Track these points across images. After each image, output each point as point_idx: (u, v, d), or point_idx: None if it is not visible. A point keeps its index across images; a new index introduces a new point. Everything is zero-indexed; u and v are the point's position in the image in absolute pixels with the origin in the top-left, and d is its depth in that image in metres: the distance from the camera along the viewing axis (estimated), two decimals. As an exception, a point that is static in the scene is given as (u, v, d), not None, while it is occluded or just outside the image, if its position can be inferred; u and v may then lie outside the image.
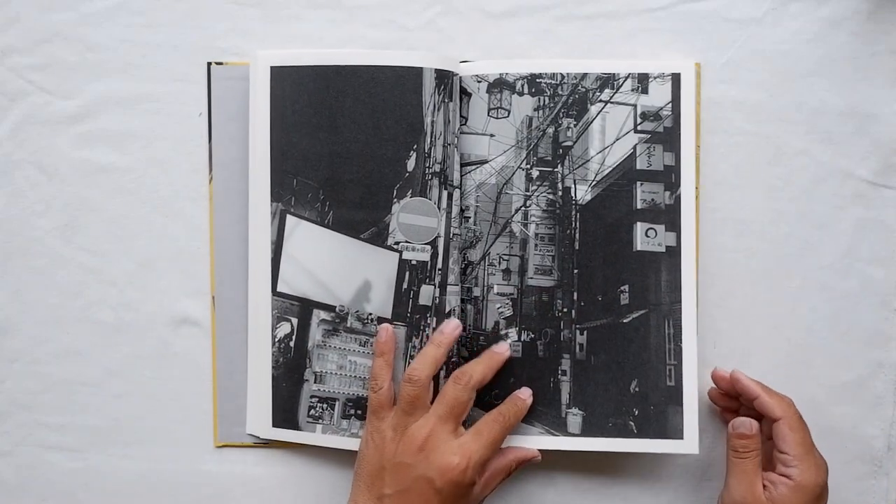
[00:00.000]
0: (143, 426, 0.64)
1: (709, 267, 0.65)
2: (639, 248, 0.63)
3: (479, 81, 0.62)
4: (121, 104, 0.63)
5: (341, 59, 0.61)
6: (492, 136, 0.63)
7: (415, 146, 0.60)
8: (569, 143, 0.63)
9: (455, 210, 0.61)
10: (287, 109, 0.61)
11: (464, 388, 0.57)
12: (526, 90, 0.63)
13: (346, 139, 0.61)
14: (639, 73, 0.62)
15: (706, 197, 0.65)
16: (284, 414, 0.62)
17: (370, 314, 0.61)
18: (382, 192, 0.61)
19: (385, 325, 0.61)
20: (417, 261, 0.61)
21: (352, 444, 0.61)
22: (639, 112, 0.63)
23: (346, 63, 0.60)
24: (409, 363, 0.58)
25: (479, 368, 0.58)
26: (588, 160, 0.63)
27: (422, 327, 0.61)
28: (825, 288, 0.65)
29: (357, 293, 0.62)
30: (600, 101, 0.62)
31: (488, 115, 0.62)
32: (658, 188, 0.62)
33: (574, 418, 0.62)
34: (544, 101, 0.63)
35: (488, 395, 0.61)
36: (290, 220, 0.61)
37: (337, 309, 0.62)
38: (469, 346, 0.63)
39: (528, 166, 0.63)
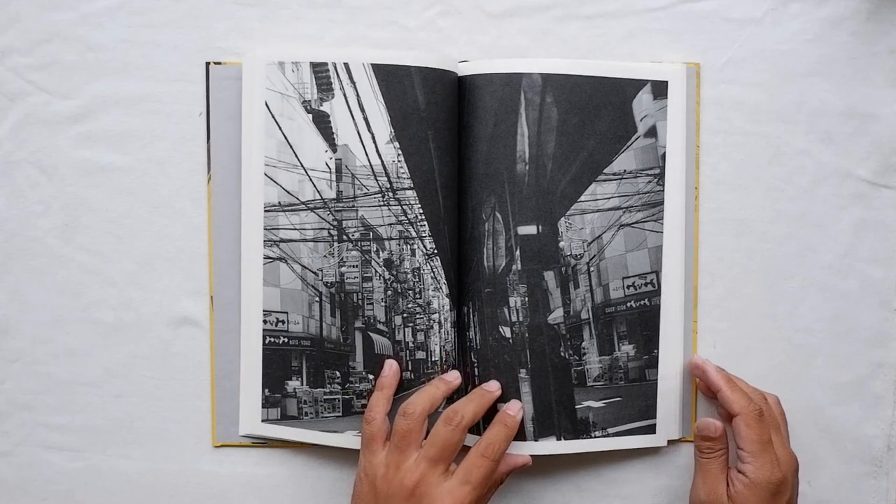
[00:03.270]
0: (142, 426, 0.64)
1: (709, 267, 0.65)
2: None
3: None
4: (121, 104, 0.63)
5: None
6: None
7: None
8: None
9: None
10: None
11: (455, 429, 0.56)
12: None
13: None
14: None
15: (706, 197, 0.65)
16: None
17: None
18: None
19: (391, 360, 0.61)
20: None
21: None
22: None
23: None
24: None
25: (471, 408, 0.58)
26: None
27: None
28: (825, 288, 0.65)
29: None
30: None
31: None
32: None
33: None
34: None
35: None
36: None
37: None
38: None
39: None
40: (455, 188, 0.62)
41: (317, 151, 0.62)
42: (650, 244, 0.63)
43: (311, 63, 0.61)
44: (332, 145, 0.62)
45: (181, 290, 0.64)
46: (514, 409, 0.59)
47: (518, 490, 0.65)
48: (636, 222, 0.63)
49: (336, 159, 0.62)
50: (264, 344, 0.62)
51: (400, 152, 0.61)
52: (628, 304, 0.63)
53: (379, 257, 0.62)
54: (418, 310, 0.62)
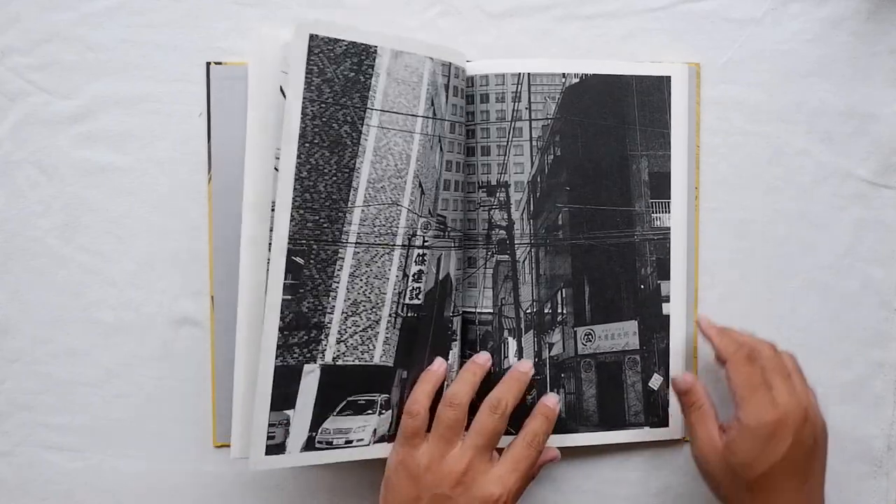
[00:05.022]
0: (143, 426, 0.64)
1: (709, 267, 0.65)
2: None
3: None
4: (121, 104, 0.63)
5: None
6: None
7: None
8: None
9: None
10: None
11: (500, 418, 0.57)
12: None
13: None
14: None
15: (706, 197, 0.65)
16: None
17: None
18: None
19: (441, 359, 0.60)
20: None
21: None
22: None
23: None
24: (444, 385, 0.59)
25: (511, 394, 0.58)
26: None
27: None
28: (825, 288, 0.65)
29: None
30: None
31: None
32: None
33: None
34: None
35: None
36: None
37: None
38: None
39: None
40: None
41: None
42: None
43: None
44: None
45: (181, 290, 0.64)
46: (553, 402, 0.60)
47: (518, 490, 0.65)
48: None
49: None
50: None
51: None
52: None
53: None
54: None
